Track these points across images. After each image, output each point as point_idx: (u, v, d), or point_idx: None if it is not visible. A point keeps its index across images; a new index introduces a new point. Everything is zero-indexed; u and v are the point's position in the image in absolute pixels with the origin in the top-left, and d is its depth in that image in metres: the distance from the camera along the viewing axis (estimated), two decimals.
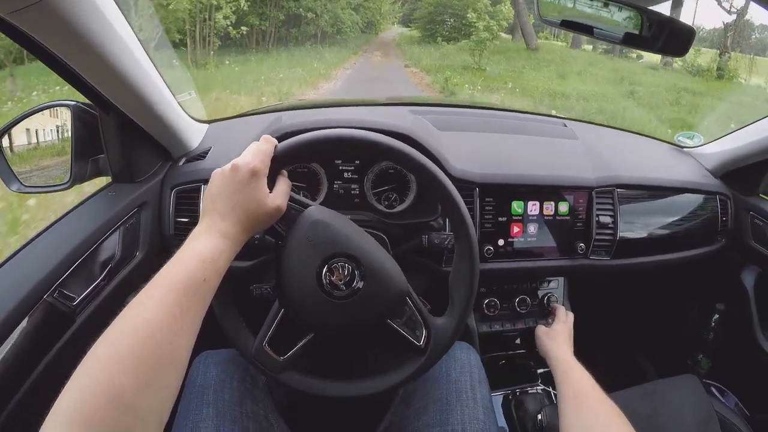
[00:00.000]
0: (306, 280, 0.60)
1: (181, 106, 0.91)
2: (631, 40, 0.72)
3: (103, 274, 0.79)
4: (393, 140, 0.62)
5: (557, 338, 0.90)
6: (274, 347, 0.64)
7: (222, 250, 0.50)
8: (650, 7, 0.70)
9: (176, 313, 0.43)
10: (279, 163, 0.58)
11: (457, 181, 0.87)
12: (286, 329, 0.65)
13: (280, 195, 0.58)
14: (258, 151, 0.56)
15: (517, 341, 1.07)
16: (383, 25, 24.41)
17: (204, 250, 0.49)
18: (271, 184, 0.58)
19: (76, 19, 0.55)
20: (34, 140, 0.86)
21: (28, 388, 0.64)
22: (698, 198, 1.08)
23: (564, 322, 0.95)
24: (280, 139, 0.60)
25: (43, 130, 0.87)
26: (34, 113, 0.93)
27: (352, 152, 0.90)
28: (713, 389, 1.19)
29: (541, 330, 0.95)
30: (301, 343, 0.64)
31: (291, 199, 0.61)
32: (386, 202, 0.91)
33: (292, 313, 0.63)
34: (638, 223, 1.02)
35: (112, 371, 0.37)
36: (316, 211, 0.63)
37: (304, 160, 0.70)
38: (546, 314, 1.02)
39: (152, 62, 0.78)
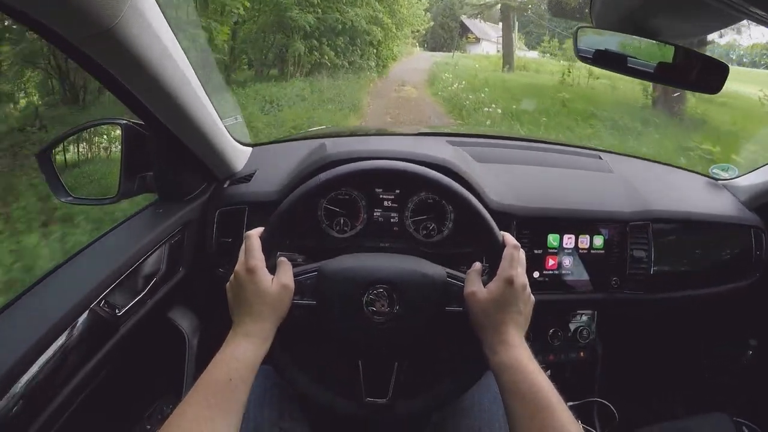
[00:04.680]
0: (355, 321, 0.63)
1: (227, 129, 0.94)
2: (663, 74, 0.73)
3: (147, 288, 0.82)
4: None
5: (498, 311, 0.57)
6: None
7: (246, 349, 0.57)
8: (681, 44, 0.71)
9: (204, 407, 0.51)
10: (270, 246, 0.62)
11: (495, 213, 0.87)
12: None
13: (282, 275, 0.62)
14: (247, 250, 0.61)
15: (548, 372, 1.06)
16: (400, 44, 11.77)
17: (228, 354, 0.56)
18: (273, 271, 0.62)
19: (138, 45, 0.59)
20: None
21: (70, 391, 0.67)
22: (732, 231, 1.07)
23: (513, 277, 0.57)
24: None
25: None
26: (84, 129, 0.98)
27: (388, 183, 0.92)
28: (744, 428, 1.16)
29: (473, 291, 0.59)
30: (393, 376, 0.65)
31: (298, 274, 0.64)
32: (424, 232, 0.92)
33: (357, 355, 0.66)
34: (672, 258, 1.01)
35: None
36: (327, 265, 0.65)
37: (288, 231, 0.67)
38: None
39: (203, 87, 0.81)
